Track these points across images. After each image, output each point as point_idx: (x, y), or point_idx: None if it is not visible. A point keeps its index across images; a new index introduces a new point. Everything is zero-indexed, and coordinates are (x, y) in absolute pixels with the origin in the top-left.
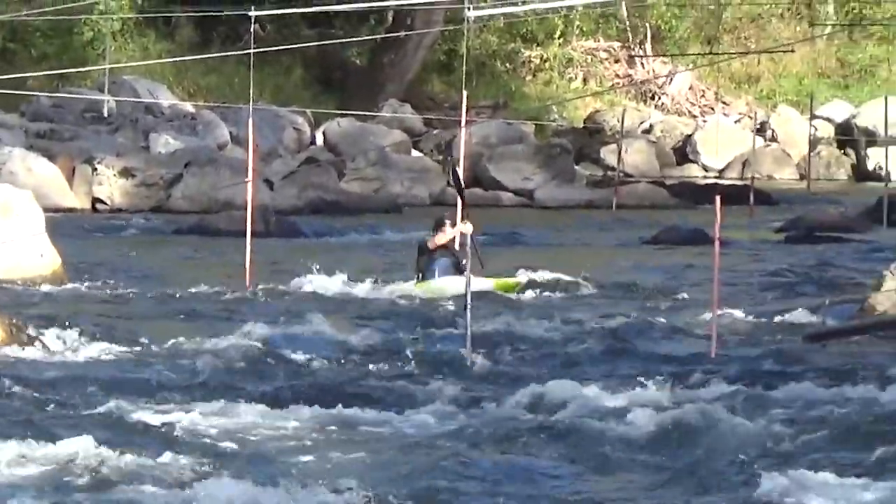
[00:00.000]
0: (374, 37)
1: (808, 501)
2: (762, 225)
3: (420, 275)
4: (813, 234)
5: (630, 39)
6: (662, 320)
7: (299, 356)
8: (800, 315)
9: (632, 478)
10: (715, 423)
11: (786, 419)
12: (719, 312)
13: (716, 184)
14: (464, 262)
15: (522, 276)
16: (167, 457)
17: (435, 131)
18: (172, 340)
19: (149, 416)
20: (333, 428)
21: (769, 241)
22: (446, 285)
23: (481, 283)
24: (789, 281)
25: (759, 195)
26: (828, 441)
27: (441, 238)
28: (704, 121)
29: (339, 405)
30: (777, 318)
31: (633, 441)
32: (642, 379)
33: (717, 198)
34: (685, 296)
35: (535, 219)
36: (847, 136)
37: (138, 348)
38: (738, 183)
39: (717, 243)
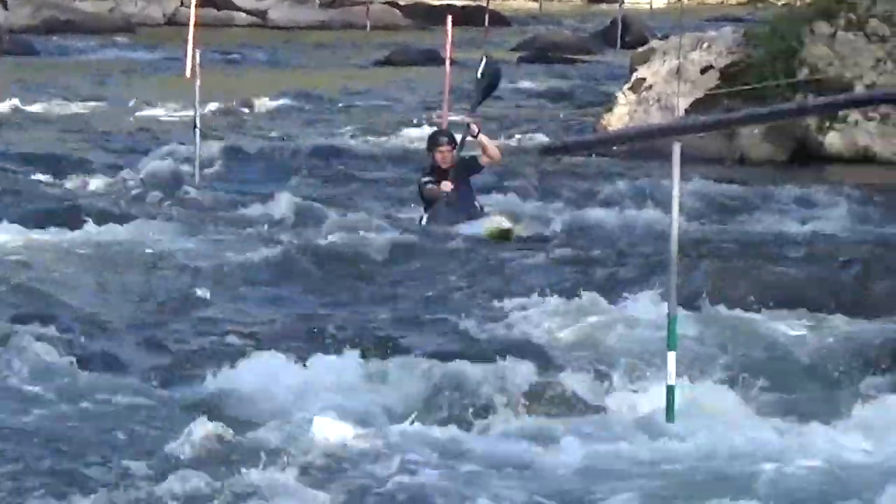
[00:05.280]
0: None
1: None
2: (497, 46)
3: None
4: (547, 55)
5: None
6: (389, 139)
7: (35, 174)
8: (533, 134)
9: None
10: (429, 244)
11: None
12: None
13: (449, 5)
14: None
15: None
16: None
17: None
18: None
19: None
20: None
21: (503, 61)
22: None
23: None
24: (522, 100)
25: (493, 16)
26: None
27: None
28: None
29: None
30: (510, 136)
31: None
32: (358, 200)
33: (449, 18)
34: (414, 115)
35: (269, 39)
36: None
37: None
38: (472, 4)
39: (448, 63)
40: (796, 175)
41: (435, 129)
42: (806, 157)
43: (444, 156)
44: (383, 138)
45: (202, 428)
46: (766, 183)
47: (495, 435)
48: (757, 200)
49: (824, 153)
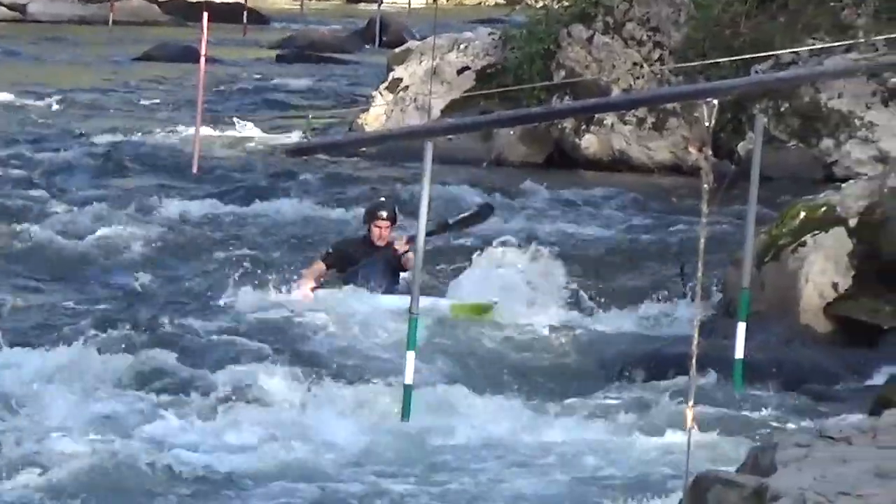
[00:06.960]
0: None
1: None
2: (256, 44)
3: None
4: (305, 54)
5: None
6: (141, 138)
7: None
8: (286, 134)
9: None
10: (196, 238)
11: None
12: (203, 130)
13: (208, 1)
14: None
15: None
16: None
17: None
18: None
19: None
20: None
21: (262, 59)
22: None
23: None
24: (278, 99)
25: (253, 14)
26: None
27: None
28: None
29: None
30: (262, 135)
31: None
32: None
33: (205, 15)
34: (170, 113)
35: (29, 34)
36: None
37: None
38: (231, 1)
39: (202, 60)
40: (551, 177)
41: (377, 200)
42: (563, 160)
43: (381, 232)
44: (137, 136)
45: None
46: (520, 185)
47: (215, 431)
48: (508, 202)
49: (580, 156)
